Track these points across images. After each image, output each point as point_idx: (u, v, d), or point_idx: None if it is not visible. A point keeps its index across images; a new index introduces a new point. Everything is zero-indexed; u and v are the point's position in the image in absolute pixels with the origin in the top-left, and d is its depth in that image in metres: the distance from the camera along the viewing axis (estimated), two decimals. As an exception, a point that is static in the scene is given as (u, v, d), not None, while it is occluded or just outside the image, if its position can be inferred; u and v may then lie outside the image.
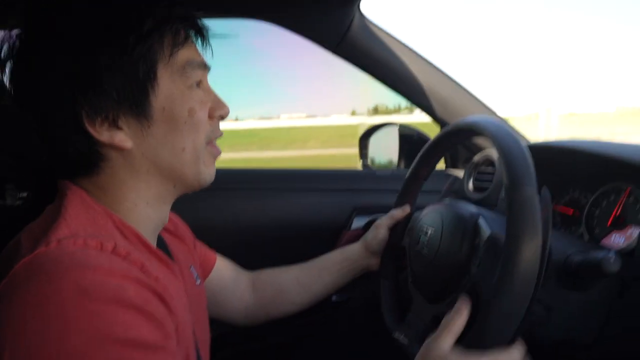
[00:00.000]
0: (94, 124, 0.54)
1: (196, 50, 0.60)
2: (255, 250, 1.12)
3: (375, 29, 1.08)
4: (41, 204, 0.58)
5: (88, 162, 0.56)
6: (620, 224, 0.83)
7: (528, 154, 0.63)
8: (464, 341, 0.62)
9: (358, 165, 1.49)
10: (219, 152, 0.64)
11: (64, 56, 0.53)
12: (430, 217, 0.79)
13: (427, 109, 1.19)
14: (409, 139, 1.40)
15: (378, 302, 0.92)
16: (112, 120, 0.54)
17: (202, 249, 0.87)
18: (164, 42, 0.56)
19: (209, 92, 0.62)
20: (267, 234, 1.14)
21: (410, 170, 0.94)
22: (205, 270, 0.86)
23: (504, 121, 1.20)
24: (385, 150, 1.47)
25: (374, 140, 1.54)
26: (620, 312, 0.69)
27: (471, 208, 0.75)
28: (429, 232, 0.77)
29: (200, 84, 0.61)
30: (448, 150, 0.92)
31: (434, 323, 0.73)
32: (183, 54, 0.58)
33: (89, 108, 0.53)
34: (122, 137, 0.55)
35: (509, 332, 0.59)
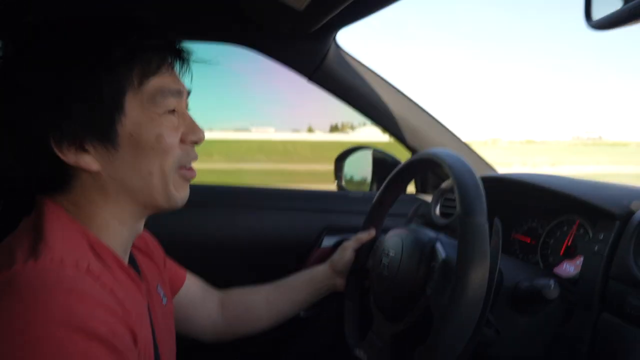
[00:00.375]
0: (60, 146, 0.55)
1: (172, 77, 0.61)
2: (225, 265, 1.14)
3: (349, 59, 1.13)
4: (14, 215, 0.60)
5: (59, 180, 0.57)
6: (571, 254, 0.89)
7: (481, 186, 0.68)
8: (416, 358, 0.66)
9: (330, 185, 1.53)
10: (192, 175, 0.64)
11: (34, 80, 0.54)
12: (392, 241, 0.83)
13: (398, 136, 1.24)
14: (382, 162, 1.45)
15: (342, 320, 0.95)
16: (78, 143, 0.55)
17: (172, 266, 0.88)
18: (133, 71, 0.56)
19: (184, 116, 0.63)
20: (237, 250, 1.16)
21: (376, 196, 0.98)
22: (174, 287, 0.87)
23: (465, 151, 1.25)
24: (360, 172, 1.52)
25: (349, 162, 1.58)
26: (565, 336, 0.74)
27: (430, 233, 0.80)
28: (390, 254, 0.81)
29: (175, 110, 0.61)
30: (412, 179, 0.96)
31: (393, 341, 0.76)
32: (155, 83, 0.58)
33: (56, 131, 0.54)
34: (89, 160, 0.56)
35: (455, 353, 0.62)
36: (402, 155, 1.37)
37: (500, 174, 1.13)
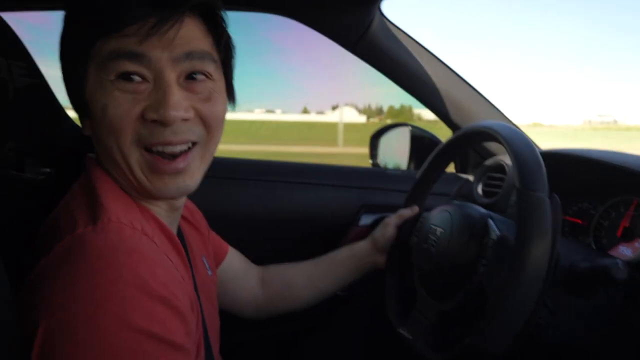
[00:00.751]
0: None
1: (137, 39, 0.51)
2: (261, 242, 1.13)
3: (394, 30, 1.09)
4: (65, 180, 0.60)
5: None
6: (628, 236, 0.84)
7: (541, 160, 0.64)
8: (466, 338, 0.63)
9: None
10: (166, 169, 0.54)
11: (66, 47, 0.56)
12: (440, 217, 0.80)
13: (441, 111, 1.19)
14: (420, 140, 1.41)
15: (383, 298, 0.93)
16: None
17: (215, 237, 0.88)
18: (90, 32, 0.53)
19: (160, 88, 0.52)
20: (274, 226, 1.15)
21: (420, 171, 0.95)
22: (217, 259, 0.87)
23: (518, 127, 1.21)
24: (396, 150, 1.48)
25: (384, 140, 1.55)
26: (623, 321, 0.70)
27: (481, 210, 0.76)
28: (438, 231, 0.78)
29: (143, 78, 0.53)
30: (460, 154, 0.93)
31: (439, 319, 0.74)
32: (111, 45, 0.51)
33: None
34: (86, 126, 0.58)
35: (513, 331, 0.60)
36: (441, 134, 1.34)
37: (547, 149, 1.07)
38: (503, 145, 0.68)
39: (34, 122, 0.66)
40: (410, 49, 1.10)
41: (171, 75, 0.53)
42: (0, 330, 0.40)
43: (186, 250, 0.67)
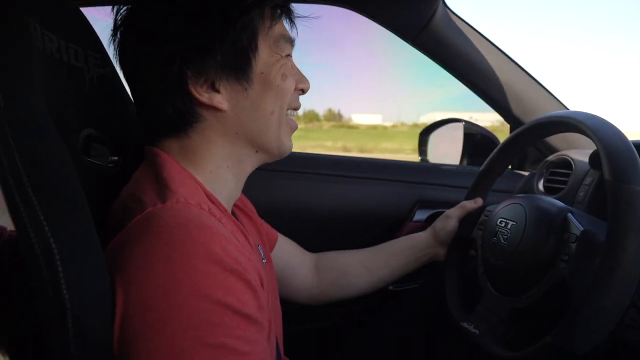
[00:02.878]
0: (196, 85, 0.58)
1: (286, 27, 0.65)
2: (314, 235, 1.13)
3: (457, 21, 1.06)
4: (132, 168, 0.61)
5: (184, 121, 0.60)
6: None
7: (634, 150, 0.61)
8: (550, 336, 0.61)
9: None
10: (295, 126, 0.68)
11: (176, 24, 0.56)
12: (511, 210, 0.77)
13: (501, 105, 1.16)
14: (472, 137, 1.39)
15: (438, 293, 0.91)
16: (211, 83, 0.59)
17: (265, 225, 0.88)
18: (264, 16, 0.61)
19: (294, 66, 0.67)
20: (327, 220, 1.15)
21: (485, 163, 0.92)
22: (269, 247, 0.87)
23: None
24: (447, 146, 1.46)
25: (434, 136, 1.53)
26: None
27: (558, 203, 0.73)
28: (510, 224, 0.76)
29: (289, 57, 0.65)
30: (530, 145, 0.89)
31: (512, 315, 0.72)
32: (278, 28, 0.63)
33: (194, 71, 0.57)
34: (220, 99, 0.59)
35: (603, 331, 0.57)
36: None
37: (635, 139, 1.02)
38: (589, 135, 0.65)
39: (106, 111, 0.67)
40: (473, 40, 1.07)
41: None
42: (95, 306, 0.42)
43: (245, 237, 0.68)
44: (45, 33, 0.56)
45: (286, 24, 0.66)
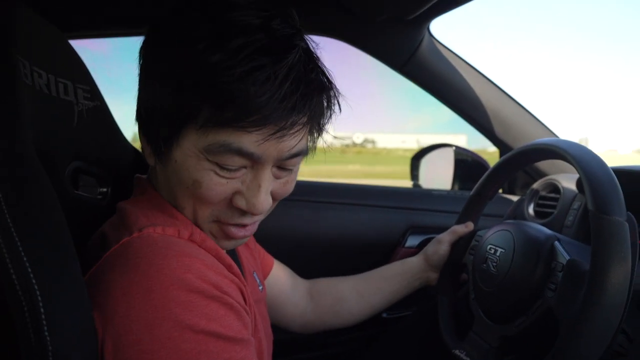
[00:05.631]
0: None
1: (256, 137, 0.49)
2: (307, 262, 1.12)
3: (442, 49, 1.09)
4: (120, 199, 0.62)
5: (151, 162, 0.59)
6: None
7: (616, 181, 0.61)
8: None
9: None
10: (234, 235, 0.57)
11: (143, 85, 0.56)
12: (500, 237, 0.78)
13: (488, 130, 1.18)
14: (463, 161, 1.40)
15: (431, 319, 0.90)
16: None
17: (261, 251, 0.88)
18: (200, 110, 0.49)
19: (257, 179, 0.53)
20: (320, 246, 1.14)
21: (475, 187, 0.93)
22: (264, 274, 0.87)
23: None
24: (438, 171, 1.47)
25: (425, 161, 1.54)
26: None
27: (545, 230, 0.74)
28: (498, 251, 0.76)
29: (229, 168, 0.52)
30: (518, 170, 0.90)
31: (502, 344, 0.71)
32: (221, 135, 0.49)
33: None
34: (149, 153, 0.57)
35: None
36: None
37: (616, 166, 1.03)
38: (572, 164, 0.66)
39: (95, 144, 0.68)
40: (458, 68, 1.09)
41: (269, 170, 0.54)
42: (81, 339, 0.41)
43: (239, 265, 0.68)
44: (35, 69, 0.56)
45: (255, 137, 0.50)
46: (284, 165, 0.55)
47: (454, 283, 0.91)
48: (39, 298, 0.39)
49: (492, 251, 0.77)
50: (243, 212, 0.55)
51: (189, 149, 0.51)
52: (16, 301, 0.39)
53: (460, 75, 1.10)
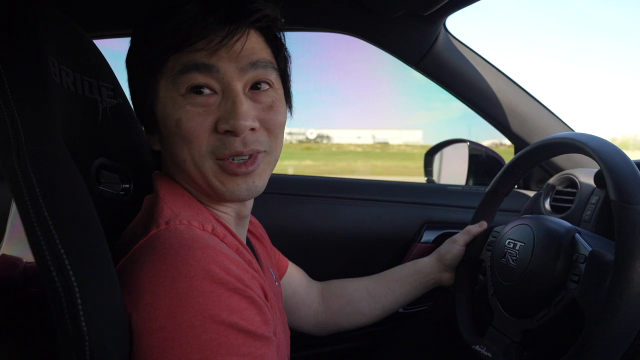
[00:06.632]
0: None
1: (207, 51, 0.54)
2: (323, 257, 1.13)
3: (458, 45, 1.09)
4: (143, 195, 0.63)
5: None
6: None
7: (637, 170, 0.61)
8: (562, 358, 0.60)
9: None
10: (237, 171, 0.57)
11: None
12: (519, 231, 0.78)
13: (503, 126, 1.17)
14: (478, 157, 1.40)
15: (448, 314, 0.90)
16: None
17: (277, 252, 0.89)
18: (159, 47, 0.55)
19: (229, 99, 0.55)
20: (336, 242, 1.15)
21: (491, 184, 0.93)
22: (279, 274, 0.88)
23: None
24: (453, 166, 1.46)
25: (439, 157, 1.54)
26: None
27: (565, 223, 0.74)
28: (518, 246, 0.76)
29: (213, 90, 0.56)
30: (534, 166, 0.90)
31: (525, 338, 0.71)
32: (180, 58, 0.55)
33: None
34: (154, 140, 0.61)
35: (616, 353, 0.57)
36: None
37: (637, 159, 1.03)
38: (592, 156, 0.66)
39: (118, 141, 0.69)
40: (474, 64, 1.09)
41: (238, 86, 0.56)
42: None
43: (257, 259, 0.69)
44: (63, 68, 0.58)
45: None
46: (256, 79, 0.58)
47: (472, 280, 0.91)
48: (76, 289, 0.40)
49: (512, 245, 0.77)
50: (234, 138, 0.56)
51: (164, 96, 0.56)
52: (54, 293, 0.40)
53: (476, 71, 1.10)
